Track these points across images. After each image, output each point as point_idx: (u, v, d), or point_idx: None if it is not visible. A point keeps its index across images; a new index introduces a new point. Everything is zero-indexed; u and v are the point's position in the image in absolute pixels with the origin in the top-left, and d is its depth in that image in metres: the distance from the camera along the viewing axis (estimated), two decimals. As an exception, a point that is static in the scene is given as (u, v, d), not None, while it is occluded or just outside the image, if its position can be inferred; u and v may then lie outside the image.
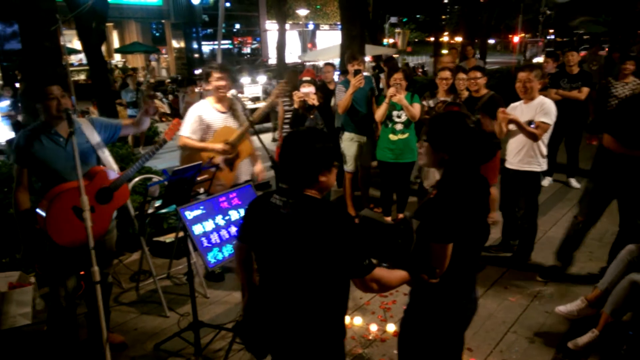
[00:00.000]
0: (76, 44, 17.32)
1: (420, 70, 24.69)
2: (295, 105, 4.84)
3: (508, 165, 4.19)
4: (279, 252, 1.80)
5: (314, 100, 4.91)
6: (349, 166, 5.32)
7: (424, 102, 5.06)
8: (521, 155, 4.03)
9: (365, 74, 6.17)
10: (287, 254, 1.77)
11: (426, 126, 2.01)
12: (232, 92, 3.85)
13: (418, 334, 2.09)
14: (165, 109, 14.74)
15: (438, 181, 2.09)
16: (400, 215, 5.12)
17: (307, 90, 4.91)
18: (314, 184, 1.77)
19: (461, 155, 1.91)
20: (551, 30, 41.96)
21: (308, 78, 5.13)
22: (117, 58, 25.62)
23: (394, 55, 14.72)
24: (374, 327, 3.37)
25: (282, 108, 6.03)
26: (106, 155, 2.98)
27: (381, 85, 7.84)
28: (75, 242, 2.77)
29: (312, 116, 4.93)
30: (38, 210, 2.75)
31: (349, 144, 5.26)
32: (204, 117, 3.83)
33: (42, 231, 2.75)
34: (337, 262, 1.71)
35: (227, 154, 3.81)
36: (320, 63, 24.94)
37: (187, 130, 3.79)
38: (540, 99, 3.94)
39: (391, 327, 3.36)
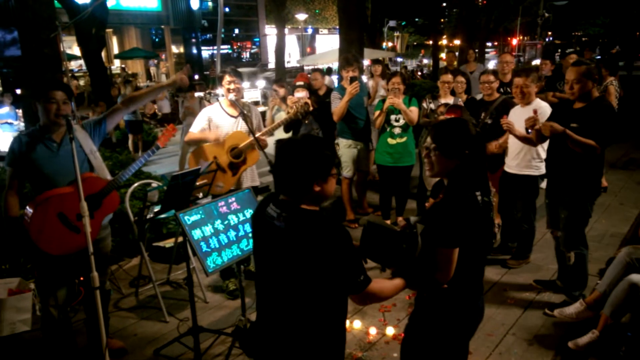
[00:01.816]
0: (76, 50, 17.37)
1: (420, 73, 24.77)
2: (290, 111, 4.82)
3: (506, 168, 4.21)
4: (272, 263, 1.79)
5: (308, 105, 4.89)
6: (346, 172, 5.33)
7: (424, 105, 5.07)
8: (519, 158, 4.06)
9: (364, 77, 6.15)
10: (280, 266, 1.76)
11: (430, 136, 1.98)
12: (231, 96, 3.87)
13: (423, 341, 2.09)
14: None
15: (436, 184, 2.08)
16: (400, 219, 5.13)
17: (301, 95, 4.89)
18: (308, 195, 1.72)
19: (472, 159, 1.91)
20: (550, 33, 42.06)
21: (301, 83, 5.09)
22: (116, 64, 25.72)
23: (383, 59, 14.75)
24: (373, 330, 3.38)
25: (271, 115, 5.79)
26: (99, 161, 2.96)
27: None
28: (61, 249, 2.76)
29: (307, 121, 4.93)
30: (24, 214, 2.75)
31: (346, 150, 5.25)
32: (213, 119, 3.90)
33: (28, 236, 2.73)
34: (331, 278, 1.70)
35: (217, 141, 3.84)
36: (320, 67, 25.04)
37: (195, 128, 3.91)
38: (536, 102, 3.95)
39: (390, 330, 3.36)
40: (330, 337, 1.83)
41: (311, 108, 4.88)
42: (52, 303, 2.91)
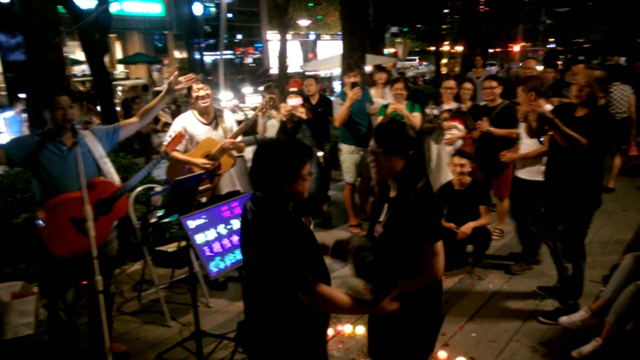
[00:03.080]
0: (79, 55, 17.45)
1: (422, 79, 24.82)
2: (283, 118, 4.76)
3: (518, 174, 4.18)
4: (244, 253, 1.94)
5: (302, 113, 4.82)
6: (349, 177, 5.31)
7: (427, 111, 5.07)
8: (531, 164, 4.03)
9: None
10: (248, 256, 1.90)
11: (375, 140, 1.98)
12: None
13: (389, 342, 2.13)
14: (168, 118, 14.79)
15: (400, 188, 2.00)
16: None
17: (295, 103, 4.80)
18: (278, 194, 1.83)
19: (418, 157, 1.95)
20: (551, 39, 42.15)
21: (295, 89, 4.98)
22: (119, 69, 25.82)
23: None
24: (376, 337, 3.36)
25: (263, 122, 5.63)
26: (108, 166, 3.00)
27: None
28: (71, 252, 2.78)
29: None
30: (37, 220, 2.76)
31: (348, 156, 5.23)
32: (187, 128, 3.89)
33: (40, 240, 2.76)
34: (281, 274, 1.78)
35: (207, 169, 3.83)
36: (322, 73, 25.06)
37: (166, 140, 3.85)
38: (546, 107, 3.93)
39: (394, 336, 3.35)
40: (302, 330, 1.90)
41: (305, 116, 4.83)
42: (61, 306, 2.92)
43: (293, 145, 1.88)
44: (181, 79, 3.14)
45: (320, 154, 5.23)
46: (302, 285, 1.77)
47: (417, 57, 38.27)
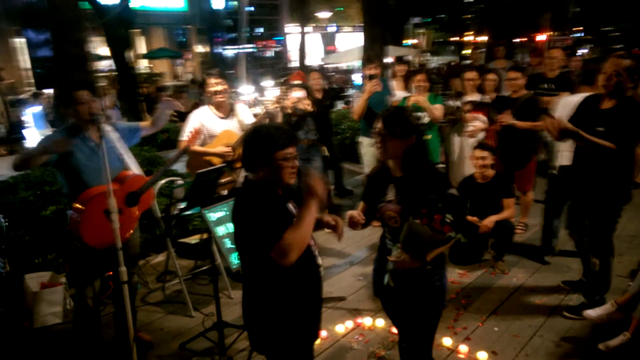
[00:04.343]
0: (102, 51, 17.73)
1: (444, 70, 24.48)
2: (288, 111, 4.76)
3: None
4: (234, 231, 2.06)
5: (307, 105, 4.81)
6: (369, 170, 5.27)
7: (451, 102, 5.00)
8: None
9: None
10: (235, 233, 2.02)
11: (382, 124, 2.11)
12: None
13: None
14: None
15: (405, 168, 2.15)
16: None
17: (299, 95, 4.78)
18: (257, 175, 1.93)
19: (420, 141, 2.14)
20: (580, 28, 40.96)
21: (298, 82, 4.96)
22: (145, 63, 26.15)
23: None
24: (396, 329, 3.35)
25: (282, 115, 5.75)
26: (131, 160, 3.05)
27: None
28: (106, 243, 2.85)
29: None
30: (71, 213, 2.83)
31: (369, 149, 5.19)
32: (204, 123, 3.92)
33: (72, 233, 2.83)
34: (247, 240, 1.90)
35: (227, 156, 3.85)
36: (343, 65, 24.93)
37: (187, 135, 3.84)
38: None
39: (414, 330, 3.34)
40: (281, 311, 1.98)
41: (310, 109, 4.82)
42: (89, 295, 3.00)
43: (273, 129, 1.92)
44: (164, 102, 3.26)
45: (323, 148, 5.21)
46: (268, 246, 1.80)
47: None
